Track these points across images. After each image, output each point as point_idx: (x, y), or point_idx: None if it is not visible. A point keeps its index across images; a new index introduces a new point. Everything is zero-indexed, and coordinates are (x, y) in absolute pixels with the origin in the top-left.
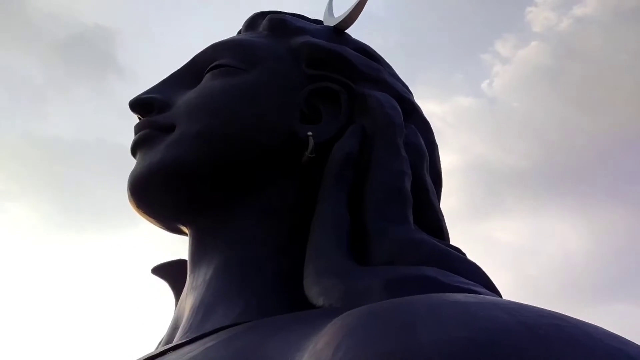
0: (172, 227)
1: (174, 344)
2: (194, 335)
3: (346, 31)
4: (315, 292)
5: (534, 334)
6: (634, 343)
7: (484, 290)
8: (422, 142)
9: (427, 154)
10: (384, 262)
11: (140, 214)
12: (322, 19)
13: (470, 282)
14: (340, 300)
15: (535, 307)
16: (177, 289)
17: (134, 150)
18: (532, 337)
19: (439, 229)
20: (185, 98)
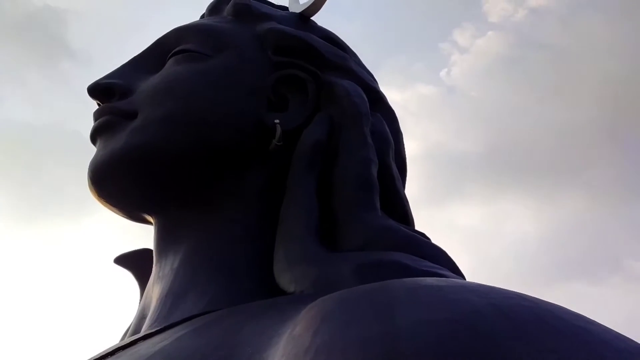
0: (135, 215)
1: (142, 333)
2: (163, 325)
3: (311, 18)
4: (286, 278)
5: (504, 315)
6: (598, 322)
7: (450, 273)
8: (388, 131)
9: (392, 142)
10: (353, 248)
11: (102, 203)
12: (287, 6)
13: (437, 266)
14: (312, 287)
15: (501, 289)
16: (142, 279)
17: (94, 137)
18: (502, 318)
19: (404, 215)
20: (148, 83)
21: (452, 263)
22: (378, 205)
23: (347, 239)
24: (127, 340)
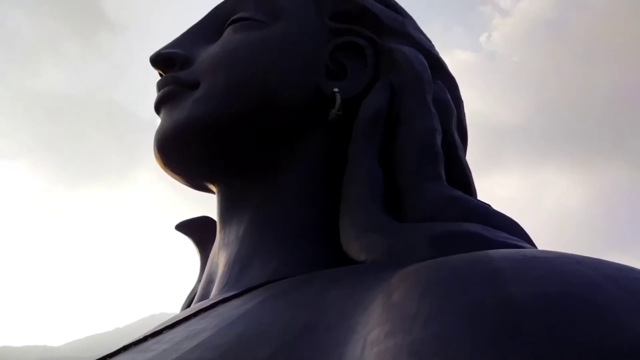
0: (198, 184)
1: (219, 297)
2: (237, 289)
3: None
4: (356, 247)
5: (623, 288)
6: None
7: (527, 245)
8: (450, 98)
9: (455, 110)
10: (420, 219)
11: (167, 172)
12: None
13: (513, 237)
14: (385, 256)
15: (606, 261)
16: (202, 245)
17: (158, 107)
18: (622, 291)
19: (467, 185)
20: (208, 53)
21: (525, 234)
22: (443, 175)
23: (414, 209)
24: (207, 303)
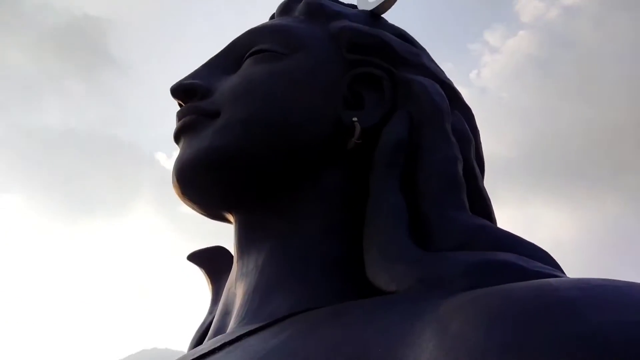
0: (216, 214)
1: (241, 330)
2: (258, 322)
3: (382, 16)
4: (384, 278)
5: None
6: None
7: (563, 274)
8: (467, 128)
9: (473, 139)
10: (450, 248)
11: (185, 201)
12: (355, 3)
13: (548, 267)
14: (418, 285)
15: None
16: (214, 276)
17: (178, 136)
18: None
19: (488, 215)
20: (229, 84)
21: (557, 264)
22: (467, 204)
23: (442, 238)
24: (230, 336)
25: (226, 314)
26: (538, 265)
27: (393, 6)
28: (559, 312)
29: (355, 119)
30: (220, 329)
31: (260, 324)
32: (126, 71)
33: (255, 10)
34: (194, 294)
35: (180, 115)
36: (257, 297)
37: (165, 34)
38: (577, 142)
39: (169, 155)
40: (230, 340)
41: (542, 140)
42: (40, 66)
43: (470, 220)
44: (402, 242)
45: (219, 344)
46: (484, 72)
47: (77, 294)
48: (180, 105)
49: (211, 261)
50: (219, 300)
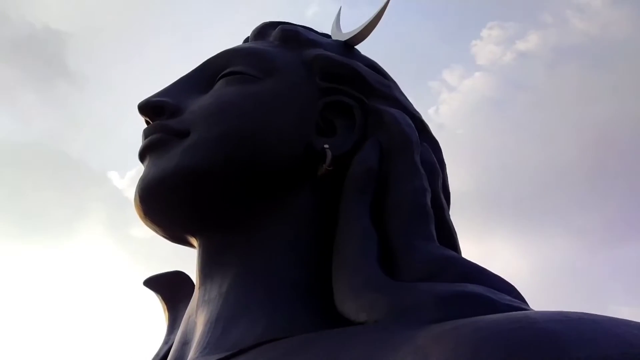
0: (178, 237)
1: (203, 359)
2: (221, 352)
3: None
4: (353, 307)
5: None
6: None
7: (530, 308)
8: (435, 160)
9: (440, 171)
10: (418, 278)
11: (146, 222)
12: (329, 33)
13: (515, 300)
14: (389, 316)
15: (633, 321)
16: (171, 303)
17: (143, 155)
18: None
19: (453, 247)
20: (200, 103)
21: (522, 297)
22: (434, 234)
23: (410, 268)
24: None
25: (185, 343)
26: (506, 298)
27: (366, 39)
28: (542, 346)
29: (326, 145)
30: (179, 359)
31: (225, 354)
32: (81, 85)
33: (223, 26)
34: (142, 322)
35: (147, 133)
36: (220, 326)
37: (126, 48)
38: (529, 180)
39: (121, 174)
40: None
41: (497, 177)
42: None
43: (438, 251)
44: (371, 271)
45: None
46: (442, 108)
47: (17, 320)
48: (147, 122)
49: (169, 287)
50: (177, 328)
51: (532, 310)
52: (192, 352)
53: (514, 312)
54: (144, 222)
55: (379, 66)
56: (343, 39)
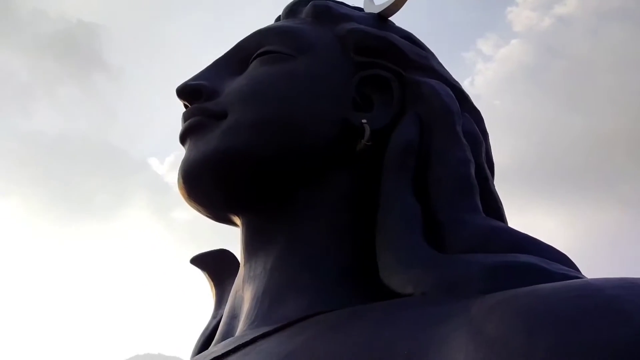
0: (222, 216)
1: (254, 332)
2: (270, 325)
3: (389, 19)
4: (400, 280)
5: None
6: None
7: (585, 276)
8: (478, 130)
9: (483, 141)
10: (465, 251)
11: (190, 203)
12: (361, 6)
13: (568, 268)
14: (437, 288)
15: None
16: (217, 279)
17: (184, 138)
18: None
19: (500, 218)
20: (236, 85)
21: (576, 266)
22: (480, 206)
23: (456, 241)
24: (244, 338)
25: (234, 317)
26: (561, 268)
27: (401, 9)
28: (606, 314)
29: (364, 120)
30: (228, 332)
31: (274, 327)
32: (118, 77)
33: (248, 14)
34: (188, 299)
35: (186, 117)
36: (267, 300)
37: (157, 38)
38: (569, 151)
39: (161, 160)
40: (244, 343)
41: (537, 149)
42: (34, 73)
43: (485, 222)
44: (417, 245)
45: (233, 346)
46: (477, 79)
47: (71, 298)
48: (185, 106)
49: (214, 264)
50: (224, 304)
51: (590, 278)
52: (241, 325)
53: (573, 280)
54: (188, 203)
55: (415, 37)
56: (376, 11)
